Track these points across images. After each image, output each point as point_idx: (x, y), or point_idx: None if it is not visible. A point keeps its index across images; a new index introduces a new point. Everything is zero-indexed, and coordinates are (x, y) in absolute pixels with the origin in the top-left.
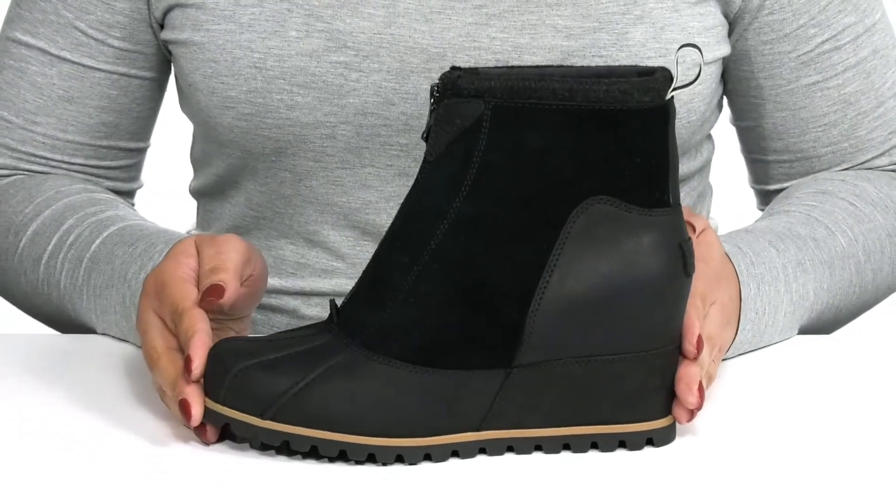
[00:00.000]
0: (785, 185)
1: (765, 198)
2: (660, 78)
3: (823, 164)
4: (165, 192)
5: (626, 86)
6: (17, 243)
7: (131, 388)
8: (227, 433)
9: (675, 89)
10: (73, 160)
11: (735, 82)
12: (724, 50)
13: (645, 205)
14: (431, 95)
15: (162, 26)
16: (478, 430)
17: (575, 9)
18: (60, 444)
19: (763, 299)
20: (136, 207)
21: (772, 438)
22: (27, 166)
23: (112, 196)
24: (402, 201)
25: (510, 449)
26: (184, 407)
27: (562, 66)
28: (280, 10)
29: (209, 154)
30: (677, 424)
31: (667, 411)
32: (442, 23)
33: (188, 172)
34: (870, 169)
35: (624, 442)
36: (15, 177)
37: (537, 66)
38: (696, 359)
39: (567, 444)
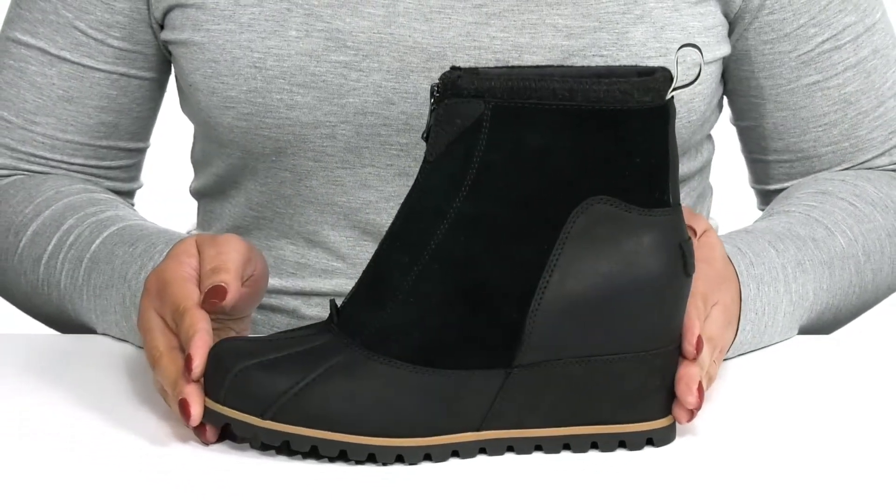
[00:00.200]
0: (785, 184)
1: (765, 198)
2: (660, 78)
3: (824, 164)
4: (166, 193)
5: (627, 86)
6: (18, 243)
7: (131, 388)
8: (228, 433)
9: (675, 89)
10: (72, 160)
11: (735, 82)
12: (725, 50)
13: (645, 205)
14: (431, 95)
15: (162, 27)
16: (478, 430)
17: (575, 8)
18: (60, 444)
19: (763, 300)
20: (136, 207)
21: (772, 438)
22: (27, 166)
23: (112, 196)
24: (402, 201)
25: (510, 449)
26: (183, 407)
27: (562, 66)
28: (280, 10)
29: (209, 154)
30: (677, 424)
31: (667, 411)
32: (442, 22)
33: (189, 173)
34: (870, 169)
35: (624, 442)
36: (15, 177)
37: (537, 66)
38: (695, 359)
39: (567, 444)
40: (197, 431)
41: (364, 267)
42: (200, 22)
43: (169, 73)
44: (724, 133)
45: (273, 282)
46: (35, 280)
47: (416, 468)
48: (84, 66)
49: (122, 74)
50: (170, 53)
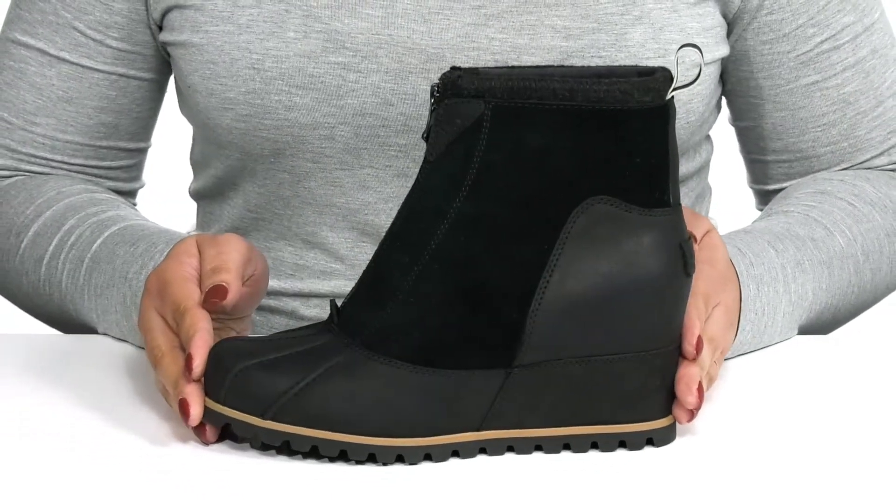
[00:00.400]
0: (784, 184)
1: (764, 198)
2: (660, 78)
3: (822, 164)
4: (166, 193)
5: (627, 86)
6: (19, 244)
7: (131, 388)
8: (228, 433)
9: (675, 89)
10: (72, 161)
11: (734, 83)
12: (723, 50)
13: (645, 205)
14: (432, 95)
15: (160, 28)
16: (478, 430)
17: (574, 9)
18: (60, 444)
19: (762, 300)
20: (137, 207)
21: (771, 438)
22: (28, 167)
23: (113, 196)
24: (400, 202)
25: (510, 449)
26: (183, 406)
27: (562, 66)
28: (278, 11)
29: (208, 156)
30: (677, 424)
31: (667, 411)
32: (440, 23)
33: (189, 173)
34: (869, 168)
35: (624, 442)
36: (16, 178)
37: (538, 67)
38: (695, 359)
39: (567, 444)
40: (197, 431)
41: (363, 268)
42: (199, 23)
43: (169, 74)
44: (723, 133)
45: (272, 283)
46: (36, 280)
47: (416, 468)
48: (83, 66)
49: (121, 75)
50: (168, 55)
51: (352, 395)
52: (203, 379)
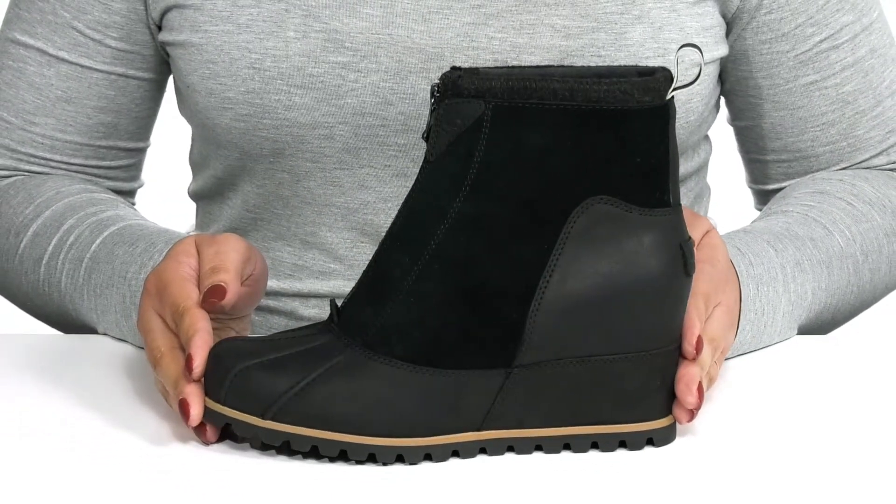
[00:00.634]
0: (783, 184)
1: (763, 197)
2: (660, 78)
3: (821, 164)
4: (166, 193)
5: (627, 86)
6: (18, 244)
7: (131, 388)
8: (228, 433)
9: (675, 89)
10: (72, 160)
11: (733, 82)
12: (723, 50)
13: (645, 205)
14: (432, 95)
15: (160, 27)
16: (478, 429)
17: (573, 8)
18: (60, 444)
19: (762, 300)
20: (136, 207)
21: (771, 438)
22: (27, 167)
23: (112, 196)
24: (400, 202)
25: (510, 449)
26: (183, 407)
27: (562, 66)
28: (278, 11)
29: (207, 156)
30: (677, 424)
31: (667, 411)
32: (440, 23)
33: (189, 173)
34: (868, 168)
35: (624, 442)
36: (15, 178)
37: (538, 66)
38: (695, 359)
39: (567, 444)
40: (197, 431)
41: (362, 268)
42: (198, 23)
43: (168, 73)
44: (722, 133)
45: (271, 283)
46: (36, 280)
47: (417, 468)
48: (82, 66)
49: (120, 75)
50: (167, 54)
51: (352, 395)
52: (203, 379)
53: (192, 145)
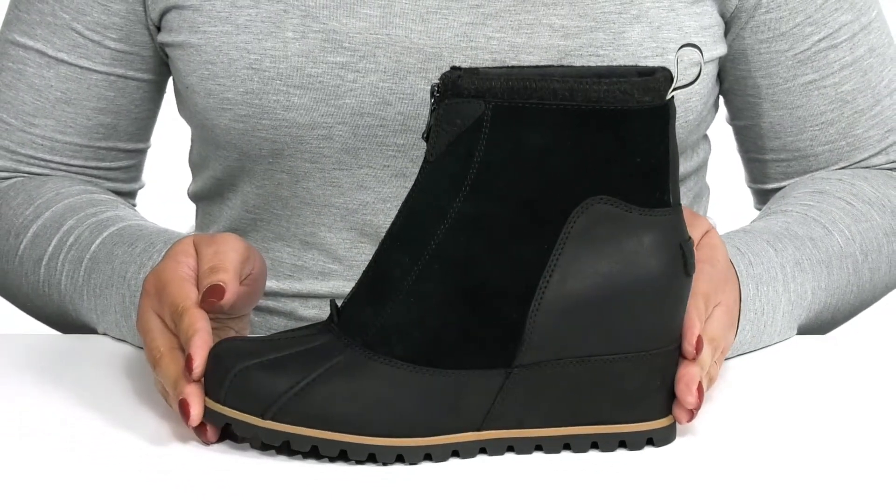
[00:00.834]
0: (782, 183)
1: (762, 197)
2: (660, 78)
3: (820, 163)
4: (166, 194)
5: (627, 86)
6: (18, 245)
7: (131, 388)
8: (228, 433)
9: (675, 89)
10: (72, 162)
11: (732, 81)
12: (721, 49)
13: (645, 205)
14: (432, 95)
15: (158, 28)
16: (478, 429)
17: (572, 8)
18: (60, 444)
19: (762, 299)
20: (137, 208)
21: (771, 438)
22: (27, 168)
23: (112, 197)
24: (399, 202)
25: (510, 449)
26: (183, 407)
27: (562, 66)
28: (276, 12)
29: (206, 157)
30: (677, 424)
31: (667, 411)
32: (438, 22)
33: (188, 174)
34: (867, 167)
35: (624, 442)
36: (15, 179)
37: (538, 66)
38: (695, 359)
39: (567, 444)
40: (197, 431)
41: (361, 268)
42: (197, 24)
43: (168, 74)
44: (721, 133)
45: (270, 284)
46: (36, 281)
47: (416, 468)
48: (82, 67)
49: (119, 76)
50: (167, 55)
51: (352, 395)
52: (203, 379)
53: (191, 146)
